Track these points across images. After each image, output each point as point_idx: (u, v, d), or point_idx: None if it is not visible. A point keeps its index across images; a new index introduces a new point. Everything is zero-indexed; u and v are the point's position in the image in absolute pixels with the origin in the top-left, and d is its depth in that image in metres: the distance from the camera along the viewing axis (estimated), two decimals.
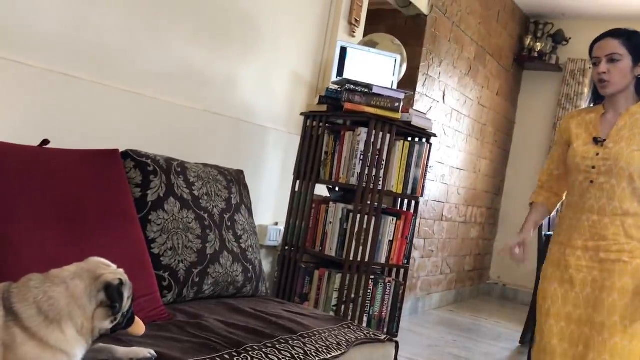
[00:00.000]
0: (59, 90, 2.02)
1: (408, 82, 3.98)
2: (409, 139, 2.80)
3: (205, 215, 2.09)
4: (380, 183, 2.64)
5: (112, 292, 1.24)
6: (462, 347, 3.92)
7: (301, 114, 2.94)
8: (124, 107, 2.25)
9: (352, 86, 2.60)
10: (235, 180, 2.34)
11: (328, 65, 3.23)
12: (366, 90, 2.59)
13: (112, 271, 1.29)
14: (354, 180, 2.62)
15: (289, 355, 1.63)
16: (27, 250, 1.52)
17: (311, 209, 2.78)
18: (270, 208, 3.07)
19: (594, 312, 1.96)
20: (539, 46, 5.87)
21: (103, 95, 2.16)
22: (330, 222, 2.71)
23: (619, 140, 2.00)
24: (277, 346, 1.67)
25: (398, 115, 2.62)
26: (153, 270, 1.85)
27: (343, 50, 2.95)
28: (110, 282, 1.24)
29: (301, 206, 2.80)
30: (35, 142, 1.79)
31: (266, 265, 3.00)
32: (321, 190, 2.95)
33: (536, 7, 5.71)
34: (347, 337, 1.91)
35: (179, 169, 2.09)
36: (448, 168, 4.93)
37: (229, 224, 2.18)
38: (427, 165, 2.83)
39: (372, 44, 3.19)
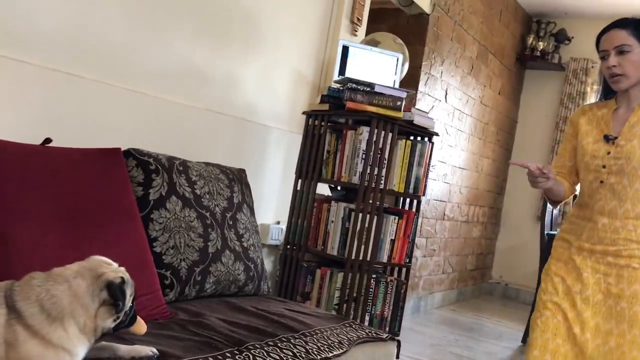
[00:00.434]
0: (61, 89, 2.02)
1: (410, 81, 3.98)
2: (411, 138, 2.80)
3: (207, 214, 2.09)
4: (382, 182, 2.64)
5: (114, 290, 1.24)
6: (464, 346, 3.92)
7: (303, 112, 2.94)
8: (126, 105, 2.25)
9: (354, 85, 2.60)
10: (237, 179, 2.35)
11: (330, 64, 3.23)
12: (368, 89, 2.59)
13: (114, 269, 1.30)
14: (355, 179, 2.62)
15: (291, 354, 1.63)
16: (29, 248, 1.52)
17: (313, 208, 2.78)
18: (272, 207, 3.07)
19: (598, 317, 1.87)
20: (541, 45, 5.86)
21: (105, 94, 2.16)
22: (332, 221, 2.71)
23: (631, 137, 1.87)
24: (279, 345, 1.67)
25: (400, 114, 2.62)
26: (155, 269, 1.85)
27: (345, 49, 2.95)
28: (112, 280, 1.25)
29: (303, 205, 2.80)
30: (38, 141, 1.79)
31: (268, 264, 3.00)
32: (323, 189, 2.95)
33: (539, 6, 5.70)
34: (348, 336, 1.91)
35: (181, 168, 2.09)
36: (450, 167, 4.93)
37: (231, 222, 2.19)
38: (429, 164, 2.82)
39: (374, 43, 3.19)
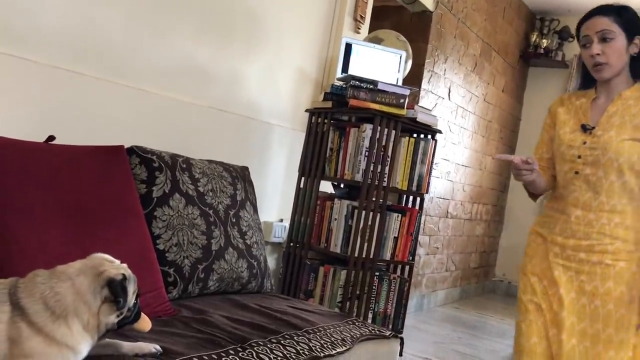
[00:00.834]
0: (64, 87, 2.02)
1: (413, 79, 3.97)
2: (414, 135, 2.80)
3: (210, 212, 2.09)
4: (385, 180, 2.64)
5: (115, 287, 1.24)
6: (467, 344, 3.92)
7: (306, 110, 2.94)
8: (129, 103, 2.25)
9: (357, 82, 2.60)
10: (240, 176, 2.35)
11: (333, 61, 3.23)
12: (371, 86, 2.59)
13: (115, 266, 1.30)
14: (359, 177, 2.62)
15: (294, 351, 1.63)
16: (32, 246, 1.53)
17: (316, 206, 2.78)
18: (275, 205, 3.07)
19: (573, 317, 1.81)
20: (545, 42, 5.85)
21: (108, 91, 2.17)
22: (335, 219, 2.71)
23: (609, 127, 1.81)
24: (282, 342, 1.67)
25: (403, 112, 2.62)
26: (158, 266, 1.86)
27: (348, 47, 2.95)
28: (113, 277, 1.25)
29: (306, 203, 2.80)
30: (41, 138, 1.79)
31: (271, 262, 3.00)
32: (326, 186, 2.94)
33: (542, 3, 5.68)
34: (352, 333, 1.91)
35: (184, 165, 2.09)
36: (453, 165, 4.92)
37: (234, 220, 2.19)
38: (432, 162, 2.82)
39: (378, 41, 3.18)
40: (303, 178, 2.86)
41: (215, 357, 1.47)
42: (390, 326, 2.75)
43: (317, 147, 2.80)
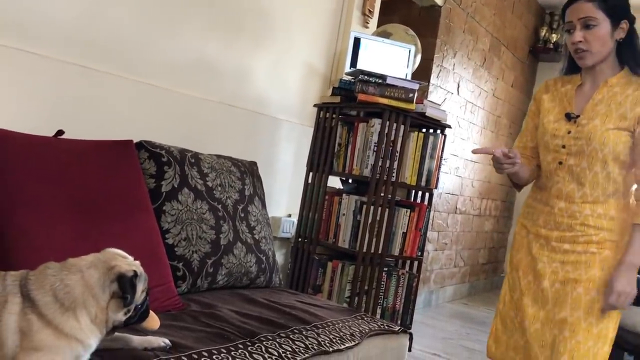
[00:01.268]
0: (74, 81, 2.03)
1: (422, 74, 3.95)
2: (423, 130, 2.78)
3: (219, 206, 2.09)
4: (394, 175, 2.63)
5: (124, 283, 1.23)
6: (475, 339, 3.91)
7: (314, 105, 2.93)
8: (138, 98, 2.25)
9: (365, 77, 2.58)
10: (249, 171, 2.34)
11: (341, 56, 3.22)
12: (380, 81, 2.58)
13: (128, 262, 1.29)
14: (367, 172, 2.61)
15: (303, 346, 1.63)
16: (41, 240, 1.53)
17: (324, 201, 2.77)
18: (283, 200, 3.07)
19: (556, 308, 1.77)
20: (554, 37, 5.80)
21: (117, 86, 2.17)
22: (344, 214, 2.70)
23: (593, 116, 1.75)
24: (291, 336, 1.67)
25: (412, 106, 2.60)
26: (167, 261, 1.86)
27: (357, 41, 2.93)
28: (124, 273, 1.24)
29: (314, 198, 2.80)
30: (50, 133, 1.80)
31: (279, 257, 3.01)
32: (334, 182, 2.94)
33: None
34: (360, 328, 1.91)
35: (193, 160, 2.09)
36: (462, 160, 4.90)
37: (243, 215, 2.19)
38: (441, 157, 2.80)
39: (386, 35, 3.17)
40: (311, 173, 2.86)
41: (225, 351, 1.47)
42: (399, 322, 2.75)
43: (325, 142, 2.79)
